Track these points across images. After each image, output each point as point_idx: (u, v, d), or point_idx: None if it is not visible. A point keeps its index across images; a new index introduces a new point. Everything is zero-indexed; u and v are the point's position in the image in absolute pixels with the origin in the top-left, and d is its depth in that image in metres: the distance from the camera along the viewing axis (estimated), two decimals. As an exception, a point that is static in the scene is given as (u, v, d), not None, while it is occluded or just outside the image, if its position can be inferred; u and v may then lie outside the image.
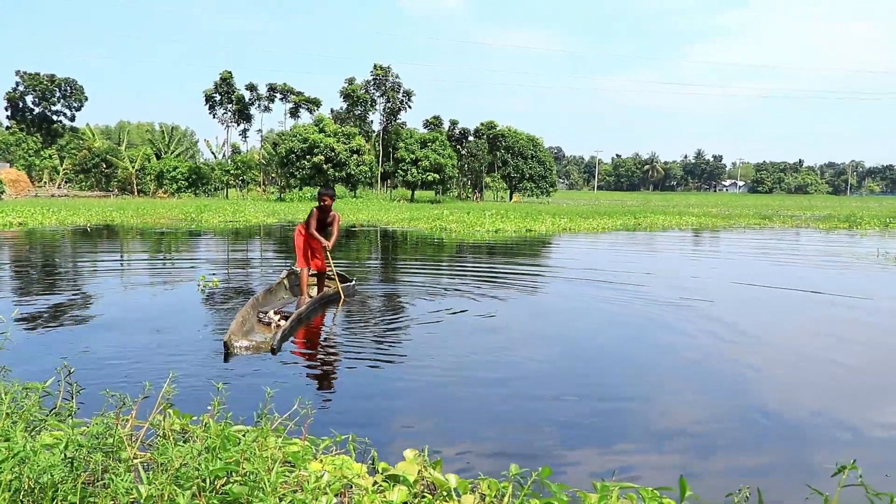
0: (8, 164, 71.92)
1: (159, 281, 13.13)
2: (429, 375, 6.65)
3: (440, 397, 6.01)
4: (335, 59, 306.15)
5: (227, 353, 7.36)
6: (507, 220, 32.59)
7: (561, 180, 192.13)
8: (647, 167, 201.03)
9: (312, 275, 11.25)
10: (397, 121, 70.64)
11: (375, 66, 69.42)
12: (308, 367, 7.10)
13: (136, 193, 68.65)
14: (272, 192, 72.48)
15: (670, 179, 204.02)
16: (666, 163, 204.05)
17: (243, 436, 3.96)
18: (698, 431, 5.34)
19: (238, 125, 72.04)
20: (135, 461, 3.67)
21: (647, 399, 6.12)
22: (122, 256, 17.79)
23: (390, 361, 7.15)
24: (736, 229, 32.77)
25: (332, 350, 7.88)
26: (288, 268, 12.11)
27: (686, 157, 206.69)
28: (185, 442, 4.08)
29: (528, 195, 79.59)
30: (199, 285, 12.25)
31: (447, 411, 5.63)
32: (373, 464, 3.94)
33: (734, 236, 27.90)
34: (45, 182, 75.55)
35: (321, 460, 3.89)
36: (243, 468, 3.39)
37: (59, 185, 74.63)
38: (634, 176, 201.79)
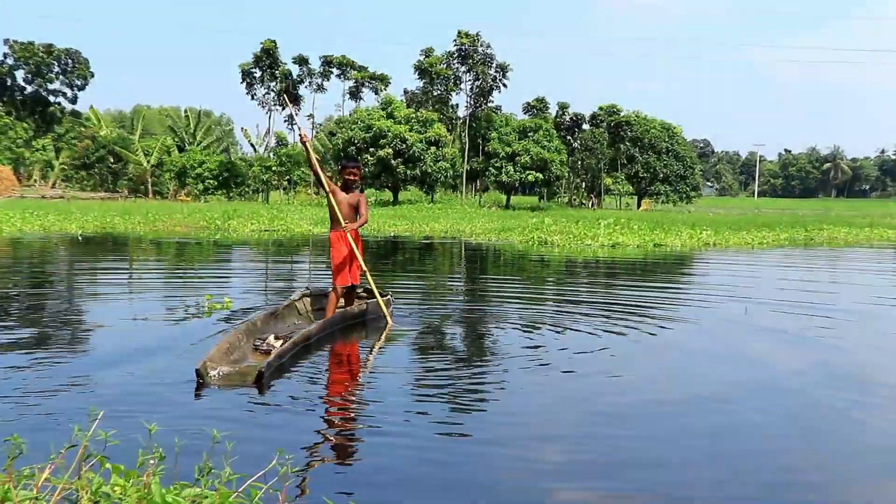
0: (-10, 158, 74.85)
1: (149, 301, 13.32)
2: (480, 434, 6.26)
3: (492, 468, 5.58)
4: (408, 26, 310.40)
5: (201, 385, 7.29)
6: (628, 233, 32.17)
7: (709, 184, 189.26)
8: (827, 166, 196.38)
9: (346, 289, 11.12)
10: (489, 104, 70.76)
11: (460, 33, 69.81)
12: (312, 412, 6.85)
13: (150, 195, 70.51)
14: (326, 195, 73.37)
15: (860, 182, 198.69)
16: (854, 160, 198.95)
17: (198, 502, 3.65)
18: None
19: (283, 109, 73.41)
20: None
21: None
22: (128, 271, 18.06)
23: (431, 415, 6.76)
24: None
25: (353, 391, 7.66)
26: (305, 288, 11.92)
27: (883, 151, 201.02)
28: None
29: (663, 201, 78.61)
30: (203, 307, 12.19)
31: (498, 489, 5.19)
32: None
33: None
34: (36, 180, 78.29)
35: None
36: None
37: (54, 183, 77.25)
38: (810, 177, 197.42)
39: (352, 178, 10.78)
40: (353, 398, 7.42)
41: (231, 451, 3.70)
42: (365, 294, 12.12)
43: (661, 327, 11.38)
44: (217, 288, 14.88)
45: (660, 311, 13.00)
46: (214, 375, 7.45)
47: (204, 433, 5.84)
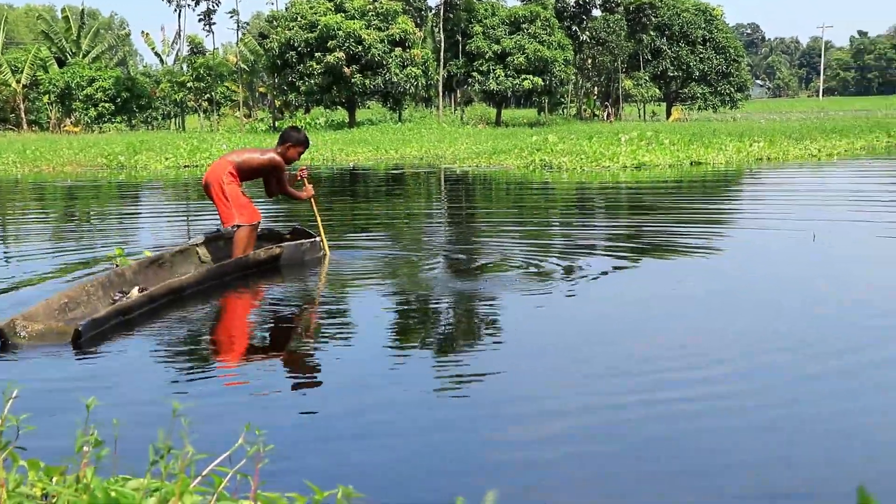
0: None
1: (38, 261, 13.17)
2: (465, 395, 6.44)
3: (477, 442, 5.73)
4: None
5: (4, 346, 7.33)
6: (657, 149, 32.35)
7: (759, 82, 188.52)
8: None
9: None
10: (470, -13, 70.08)
11: None
12: (238, 377, 7.07)
13: (25, 126, 69.76)
14: (261, 118, 72.87)
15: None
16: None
17: (150, 495, 3.80)
18: None
19: (196, 4, 72.34)
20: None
21: None
22: (3, 226, 18.26)
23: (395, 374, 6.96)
24: None
25: (298, 349, 7.94)
26: (216, 230, 11.45)
27: None
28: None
29: (700, 108, 78.53)
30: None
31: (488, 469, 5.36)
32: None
33: None
34: None
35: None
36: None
37: None
38: (893, 67, 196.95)
39: (298, 151, 11.31)
40: (300, 357, 7.63)
41: (189, 429, 3.85)
42: (289, 236, 12.04)
43: (706, 265, 11.59)
44: (129, 241, 15.00)
45: (704, 243, 13.27)
46: (23, 336, 7.42)
47: (145, 413, 6.02)
